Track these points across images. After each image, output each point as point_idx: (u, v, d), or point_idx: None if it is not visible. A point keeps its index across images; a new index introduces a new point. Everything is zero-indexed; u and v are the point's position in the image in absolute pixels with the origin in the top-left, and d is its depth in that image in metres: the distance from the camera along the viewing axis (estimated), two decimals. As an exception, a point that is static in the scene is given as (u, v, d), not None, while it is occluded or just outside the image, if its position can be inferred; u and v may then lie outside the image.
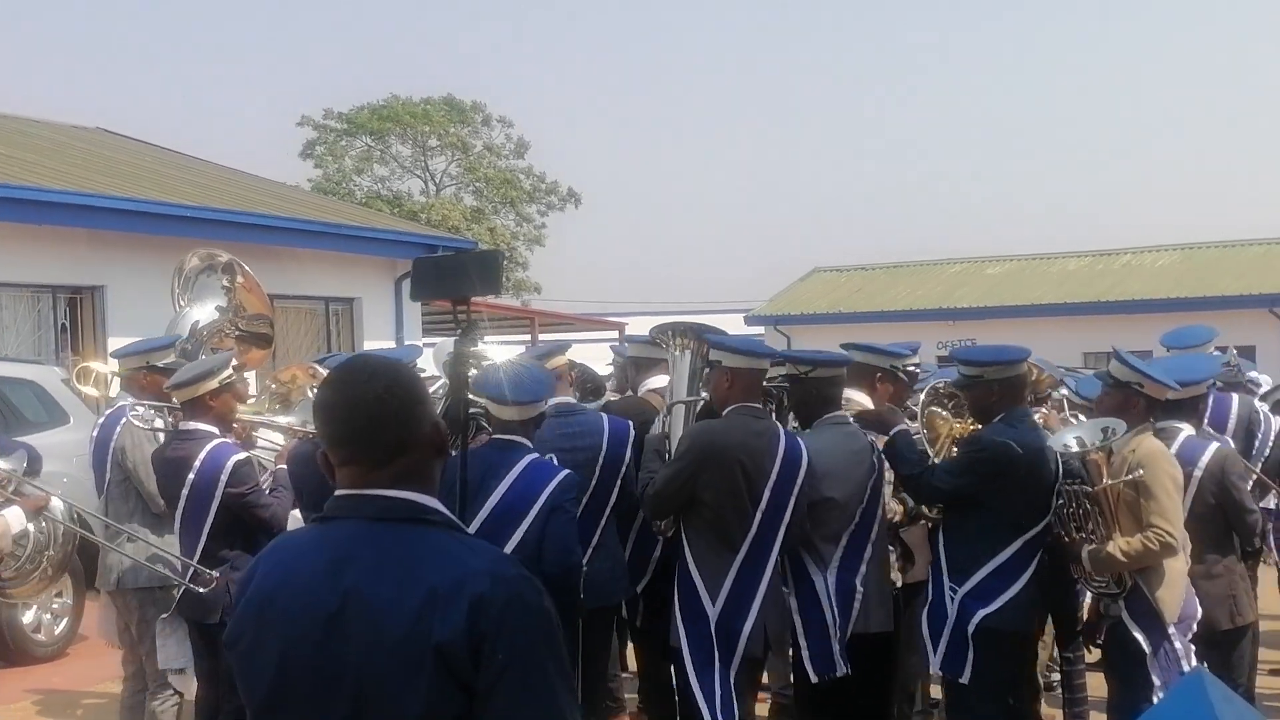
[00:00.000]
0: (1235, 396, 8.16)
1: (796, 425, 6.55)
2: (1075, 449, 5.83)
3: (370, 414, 2.52)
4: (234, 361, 7.21)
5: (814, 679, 6.07)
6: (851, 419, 6.39)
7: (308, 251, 16.94)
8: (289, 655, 2.47)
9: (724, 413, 6.06)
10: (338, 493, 2.59)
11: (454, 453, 5.39)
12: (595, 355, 7.22)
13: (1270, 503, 8.13)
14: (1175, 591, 5.78)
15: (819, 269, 42.15)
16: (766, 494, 5.91)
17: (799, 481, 5.99)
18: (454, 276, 3.73)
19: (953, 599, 5.96)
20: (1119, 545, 5.76)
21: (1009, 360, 6.07)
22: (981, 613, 5.88)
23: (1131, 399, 6.03)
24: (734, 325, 38.98)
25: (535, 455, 5.69)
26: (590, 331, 31.20)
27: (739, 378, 6.04)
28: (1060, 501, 5.94)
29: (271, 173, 25.04)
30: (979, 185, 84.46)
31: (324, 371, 7.51)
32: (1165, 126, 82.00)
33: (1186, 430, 6.35)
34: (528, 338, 26.57)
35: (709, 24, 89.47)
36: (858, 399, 6.76)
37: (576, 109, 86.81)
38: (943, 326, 33.82)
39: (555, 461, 5.94)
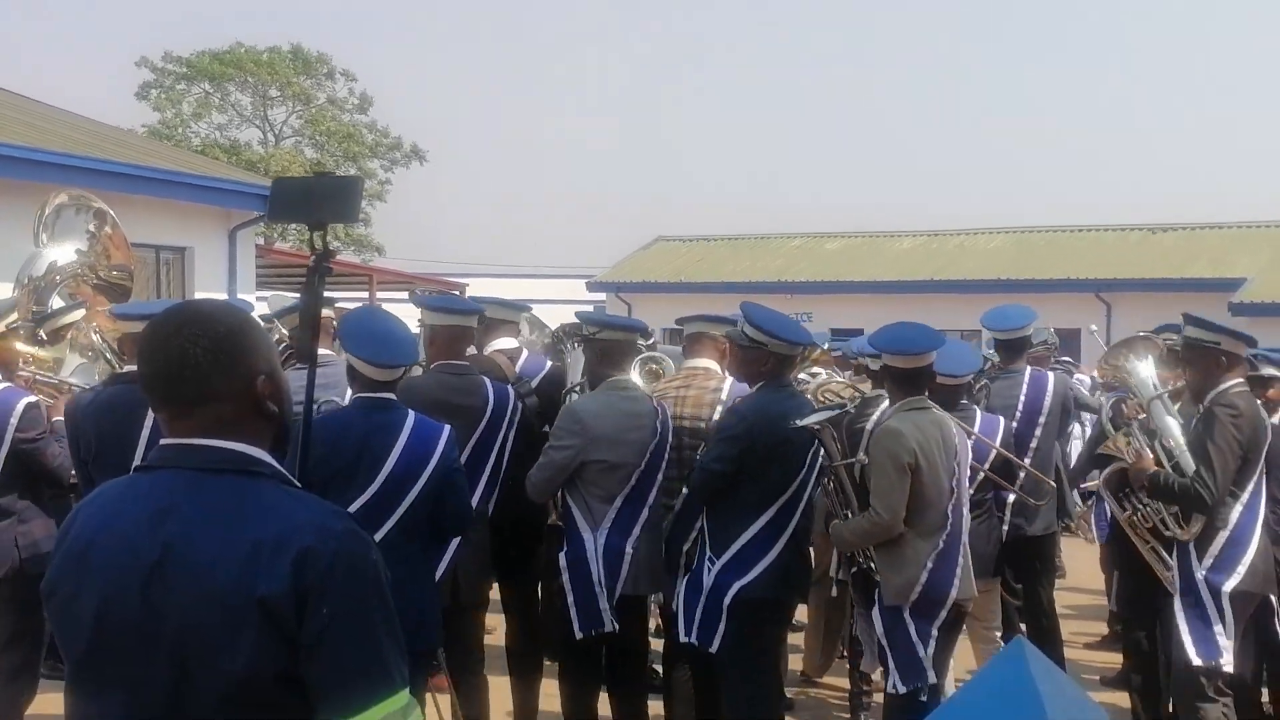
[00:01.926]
0: (1051, 375, 8.36)
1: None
2: (815, 423, 5.84)
3: (170, 360, 2.46)
4: (83, 310, 7.01)
5: (579, 634, 6.14)
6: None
7: (139, 198, 16.41)
8: (108, 607, 2.41)
9: (430, 368, 6.38)
10: (162, 442, 2.53)
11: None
12: (408, 314, 7.16)
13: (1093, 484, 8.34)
14: (904, 574, 5.79)
15: (662, 238, 42.32)
16: (472, 442, 6.18)
17: (511, 426, 6.37)
18: (313, 199, 3.65)
19: (709, 571, 6.03)
20: (849, 524, 5.89)
21: (792, 340, 6.11)
22: (737, 584, 5.94)
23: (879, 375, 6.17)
24: (576, 290, 39.28)
25: (415, 413, 5.54)
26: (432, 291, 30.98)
27: (437, 335, 6.33)
28: (825, 479, 6.04)
29: (107, 115, 24.26)
30: (819, 165, 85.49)
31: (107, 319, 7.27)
32: (999, 114, 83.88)
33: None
34: (366, 295, 26.20)
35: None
36: (707, 365, 6.85)
37: (423, 66, 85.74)
38: (780, 299, 34.17)
39: None
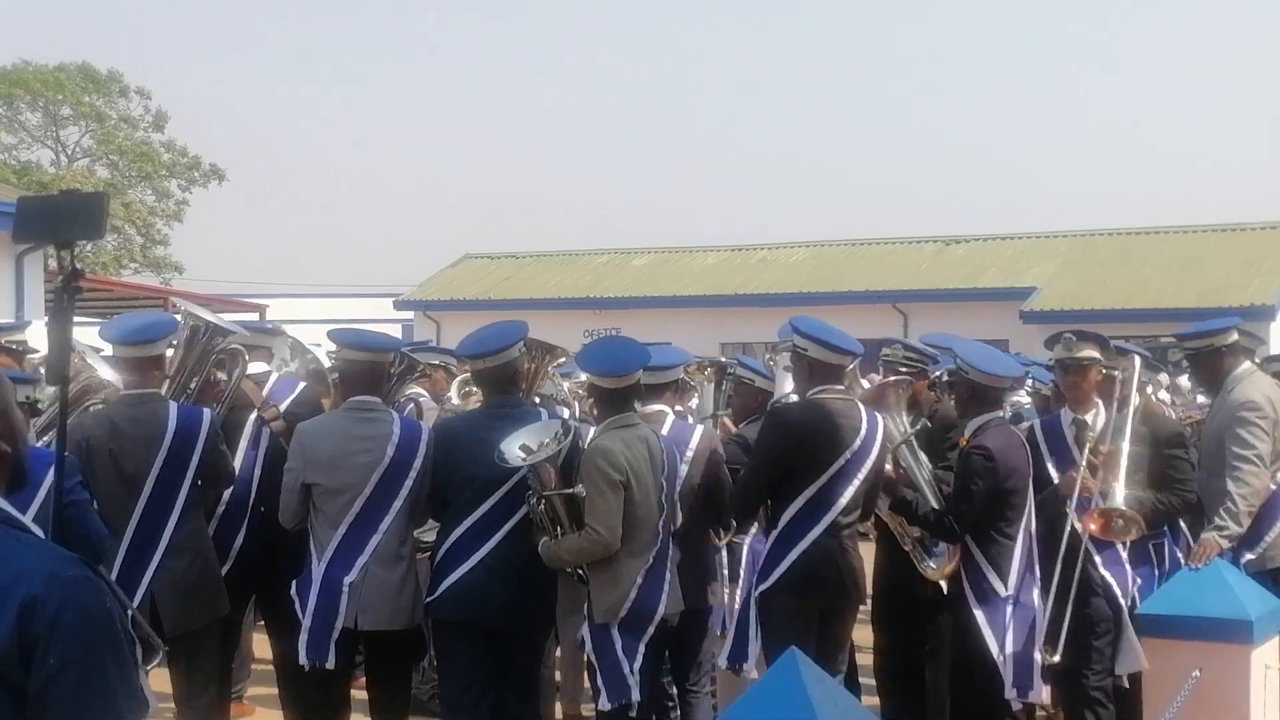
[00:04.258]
0: None
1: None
2: (520, 459, 5.74)
3: None
4: None
5: (304, 663, 6.03)
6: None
7: (-83, 222, 15.81)
8: None
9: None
10: None
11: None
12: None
13: None
14: (613, 592, 5.76)
15: (470, 255, 42.15)
16: (153, 475, 6.00)
17: (196, 455, 6.09)
18: (58, 217, 3.58)
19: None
20: (564, 542, 5.76)
21: (459, 355, 6.34)
22: (427, 601, 6.00)
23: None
24: (383, 310, 38.84)
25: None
26: (230, 313, 30.24)
27: (117, 366, 6.26)
28: (533, 501, 5.84)
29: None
30: (626, 181, 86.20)
31: None
32: (799, 131, 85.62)
33: (667, 412, 6.61)
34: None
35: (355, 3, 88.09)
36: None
37: (221, 82, 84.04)
38: (589, 315, 34.42)
39: None
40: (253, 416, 6.79)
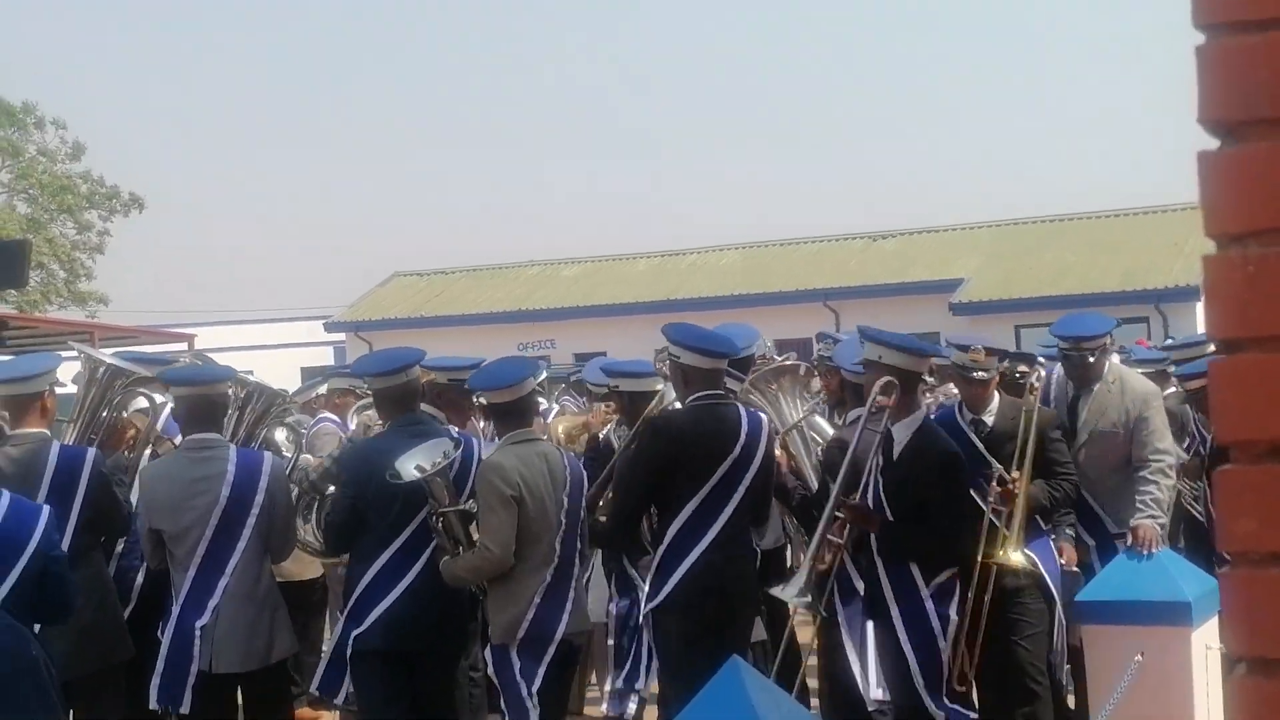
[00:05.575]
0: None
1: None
2: (415, 476, 5.68)
3: None
4: None
5: (154, 707, 5.95)
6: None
7: None
8: None
9: None
10: None
11: None
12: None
13: None
14: (508, 612, 5.69)
15: (399, 273, 41.94)
16: None
17: (78, 497, 5.87)
18: None
19: (340, 618, 6.02)
20: (460, 560, 5.71)
21: (357, 373, 6.30)
22: (354, 633, 5.83)
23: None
24: (314, 333, 38.55)
25: (9, 493, 4.91)
26: (158, 344, 29.84)
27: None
28: (433, 520, 5.80)
29: None
30: (552, 192, 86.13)
31: None
32: (719, 130, 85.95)
33: None
34: (91, 353, 25.10)
35: (273, 21, 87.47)
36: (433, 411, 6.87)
37: (136, 109, 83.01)
38: (523, 328, 34.38)
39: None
40: (146, 453, 6.64)
